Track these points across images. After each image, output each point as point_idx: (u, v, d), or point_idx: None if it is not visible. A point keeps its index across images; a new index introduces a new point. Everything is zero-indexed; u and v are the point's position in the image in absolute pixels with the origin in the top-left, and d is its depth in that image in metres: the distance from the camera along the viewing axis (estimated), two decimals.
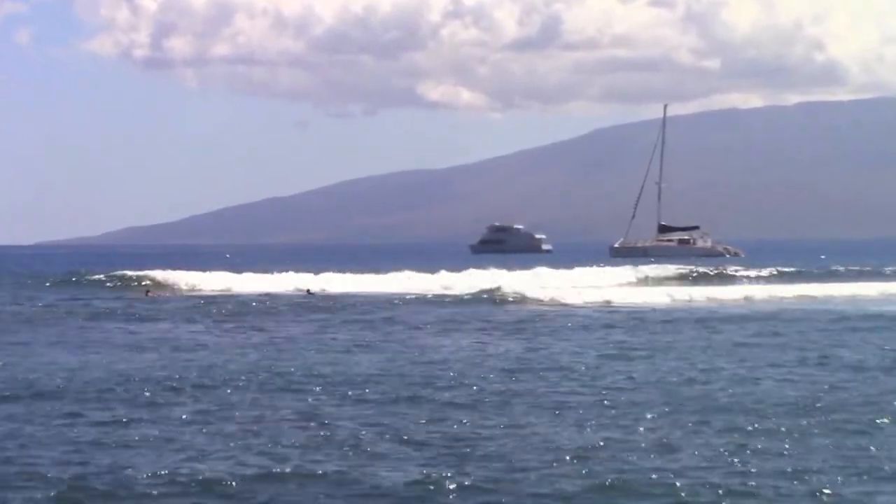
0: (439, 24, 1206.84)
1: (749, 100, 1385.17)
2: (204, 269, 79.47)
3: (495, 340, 37.18)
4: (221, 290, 67.55)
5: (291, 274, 76.08)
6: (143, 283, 69.94)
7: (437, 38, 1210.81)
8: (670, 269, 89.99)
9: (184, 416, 21.46)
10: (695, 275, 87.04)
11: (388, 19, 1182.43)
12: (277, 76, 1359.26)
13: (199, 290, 68.53)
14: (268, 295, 61.60)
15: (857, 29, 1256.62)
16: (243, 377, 27.09)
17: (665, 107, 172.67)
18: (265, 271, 78.75)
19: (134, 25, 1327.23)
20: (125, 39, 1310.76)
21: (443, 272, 78.47)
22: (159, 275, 73.02)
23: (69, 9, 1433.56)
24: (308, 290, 64.87)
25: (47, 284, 75.07)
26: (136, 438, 19.26)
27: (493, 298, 57.44)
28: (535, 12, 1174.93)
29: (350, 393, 24.62)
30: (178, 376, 27.08)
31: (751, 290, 64.94)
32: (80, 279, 77.72)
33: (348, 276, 76.29)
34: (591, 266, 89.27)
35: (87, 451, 18.38)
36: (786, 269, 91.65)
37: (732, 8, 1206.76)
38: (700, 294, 62.02)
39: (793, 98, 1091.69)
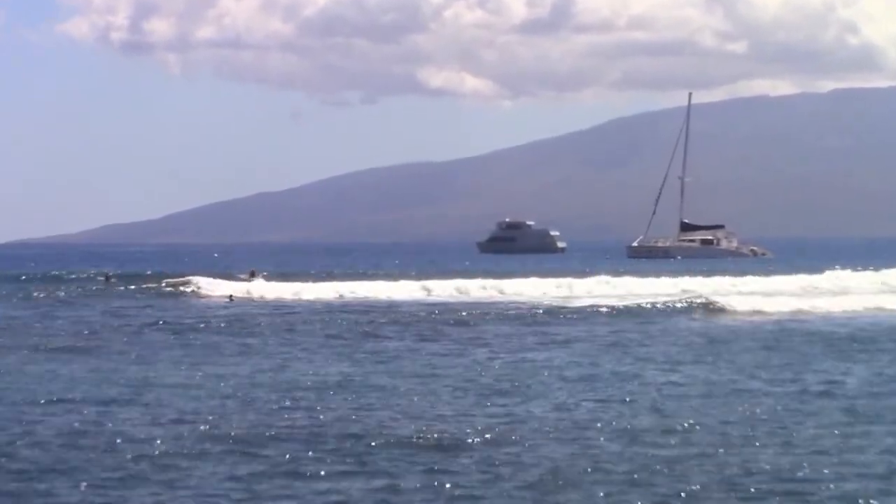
0: (442, 5, 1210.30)
1: (779, 86, 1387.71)
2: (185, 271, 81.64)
3: None
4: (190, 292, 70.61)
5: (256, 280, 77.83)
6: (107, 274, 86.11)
7: (440, 20, 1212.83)
8: None
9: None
10: None
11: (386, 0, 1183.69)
12: (267, 61, 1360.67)
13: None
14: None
15: (894, 9, 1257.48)
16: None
17: (690, 94, 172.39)
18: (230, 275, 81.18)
19: (112, 6, 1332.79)
20: (102, 21, 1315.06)
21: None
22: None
23: None
24: (230, 297, 67.91)
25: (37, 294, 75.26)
26: None
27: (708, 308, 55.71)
28: None
29: None
30: None
31: None
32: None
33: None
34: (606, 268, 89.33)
35: None
36: None
37: None
38: None
39: (826, 84, 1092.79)
